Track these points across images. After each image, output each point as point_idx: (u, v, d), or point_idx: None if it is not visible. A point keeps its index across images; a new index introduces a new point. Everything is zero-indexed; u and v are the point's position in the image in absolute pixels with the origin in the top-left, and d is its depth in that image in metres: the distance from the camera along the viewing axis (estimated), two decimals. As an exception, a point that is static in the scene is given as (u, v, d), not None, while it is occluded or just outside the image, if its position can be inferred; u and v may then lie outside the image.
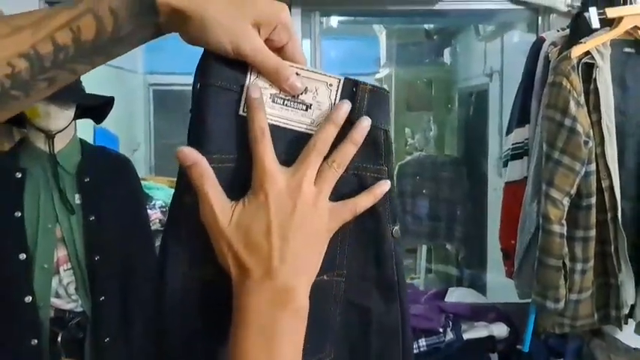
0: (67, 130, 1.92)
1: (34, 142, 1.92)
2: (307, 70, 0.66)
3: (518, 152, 2.11)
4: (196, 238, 0.65)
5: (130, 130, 4.56)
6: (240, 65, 0.65)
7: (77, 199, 1.91)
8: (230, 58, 0.64)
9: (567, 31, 2.04)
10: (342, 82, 0.67)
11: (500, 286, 2.42)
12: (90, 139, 3.24)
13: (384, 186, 0.68)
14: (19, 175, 1.88)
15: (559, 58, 1.89)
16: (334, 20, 3.87)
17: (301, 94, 0.66)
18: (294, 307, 0.61)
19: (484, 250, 3.41)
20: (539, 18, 2.52)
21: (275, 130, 0.65)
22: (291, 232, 0.61)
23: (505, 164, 2.17)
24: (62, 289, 1.89)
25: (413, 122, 4.31)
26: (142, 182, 3.46)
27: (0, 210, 1.85)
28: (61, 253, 1.89)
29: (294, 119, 0.66)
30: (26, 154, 1.92)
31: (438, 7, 2.48)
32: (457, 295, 2.53)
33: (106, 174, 1.98)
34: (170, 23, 0.63)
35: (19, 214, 1.84)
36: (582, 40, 1.88)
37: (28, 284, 1.82)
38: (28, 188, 1.87)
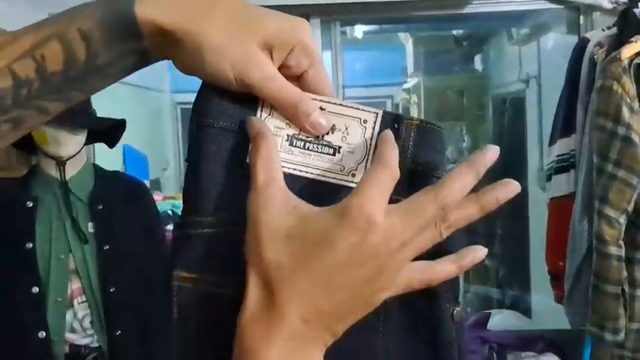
0: (78, 155, 1.87)
1: (45, 169, 1.87)
2: (335, 104, 0.53)
3: (564, 165, 1.98)
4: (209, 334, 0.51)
5: (159, 149, 4.60)
6: (248, 100, 0.52)
7: (90, 228, 1.85)
8: (234, 90, 0.51)
9: (614, 29, 1.91)
10: (379, 116, 0.53)
11: (548, 310, 2.27)
12: (119, 160, 3.23)
13: (478, 253, 0.52)
14: (30, 204, 1.82)
15: (607, 59, 1.77)
16: (359, 30, 3.81)
17: (327, 134, 0.53)
18: None
19: (527, 268, 3.29)
20: (581, 17, 2.41)
21: (293, 180, 0.51)
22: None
23: (549, 178, 2.04)
24: (77, 323, 1.82)
25: (445, 133, 4.18)
26: (172, 201, 3.49)
27: (11, 241, 1.80)
28: (74, 285, 1.82)
29: (319, 167, 0.53)
30: (37, 182, 1.86)
31: (466, 10, 2.39)
32: (500, 320, 2.38)
33: (120, 200, 1.91)
34: (158, 48, 0.50)
35: (31, 245, 1.78)
36: (633, 39, 1.75)
37: (41, 319, 1.77)
38: (40, 217, 1.82)
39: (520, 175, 3.36)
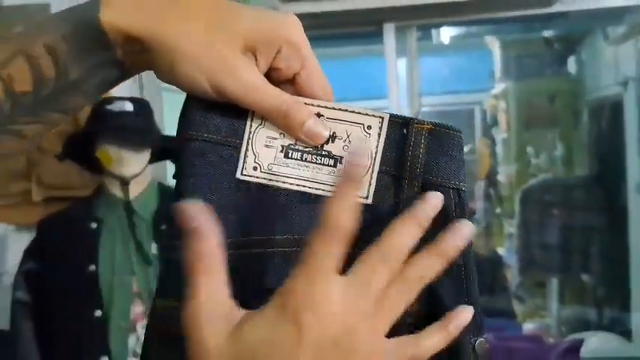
0: (142, 174, 1.84)
1: (109, 189, 1.86)
2: (334, 109, 0.48)
3: None
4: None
5: None
6: (238, 108, 0.47)
7: (154, 249, 1.81)
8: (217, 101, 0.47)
9: None
10: (385, 121, 0.47)
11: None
12: None
13: (463, 315, 0.45)
14: (94, 225, 1.82)
15: None
16: (444, 36, 3.69)
17: (326, 143, 0.48)
18: None
19: (627, 285, 3.08)
20: None
21: (291, 197, 0.48)
22: None
23: (650, 190, 1.83)
24: (140, 348, 1.76)
25: (535, 141, 4.04)
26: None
27: (74, 263, 1.79)
28: (137, 308, 1.79)
29: (318, 180, 0.48)
30: (102, 203, 1.86)
31: (557, 8, 2.25)
32: (596, 343, 2.19)
33: None
34: (132, 57, 0.45)
35: (94, 268, 1.77)
36: None
37: (103, 344, 1.74)
38: (103, 239, 1.80)
39: (618, 185, 3.24)
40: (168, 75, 0.45)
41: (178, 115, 0.49)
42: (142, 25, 0.44)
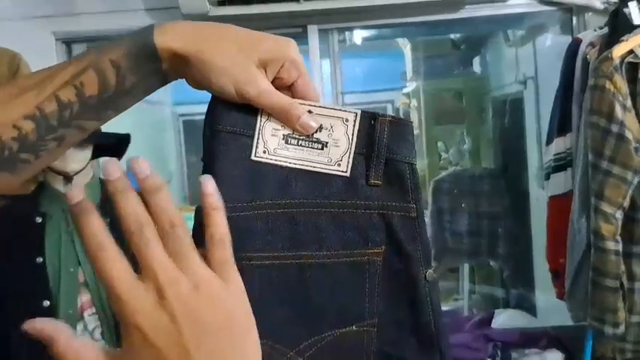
0: (85, 170, 1.89)
1: (52, 184, 1.89)
2: (321, 107, 0.64)
3: (561, 163, 1.99)
4: None
5: (163, 162, 4.64)
6: (251, 108, 0.63)
7: (99, 241, 1.84)
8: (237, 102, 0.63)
9: (605, 29, 1.92)
10: (358, 116, 0.65)
11: (552, 307, 2.28)
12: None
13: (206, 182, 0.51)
14: (39, 219, 1.85)
15: (599, 59, 1.78)
16: (357, 37, 3.80)
17: (316, 132, 0.64)
18: None
19: (530, 267, 3.28)
20: (574, 18, 2.43)
21: (291, 172, 0.64)
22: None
23: (547, 177, 2.05)
24: (87, 335, 1.83)
25: (445, 136, 4.22)
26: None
27: (21, 256, 1.82)
28: (84, 297, 1.83)
29: (310, 159, 0.64)
30: (45, 198, 1.88)
31: (463, 14, 2.40)
32: (505, 318, 2.40)
33: None
34: (174, 69, 0.61)
35: (41, 260, 1.80)
36: (624, 38, 1.76)
37: (52, 333, 1.76)
38: (49, 232, 1.84)
39: (520, 175, 3.40)
40: (203, 82, 0.61)
41: (205, 114, 0.65)
42: (186, 46, 0.59)
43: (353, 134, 0.64)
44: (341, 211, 0.64)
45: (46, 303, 1.78)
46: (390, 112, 5.21)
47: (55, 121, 0.58)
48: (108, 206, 1.65)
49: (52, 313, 1.77)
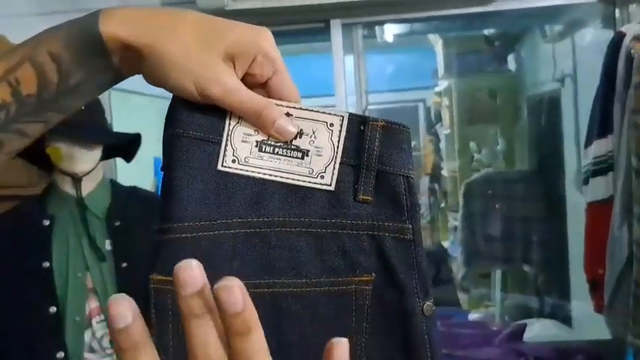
0: (94, 171, 1.83)
1: (61, 186, 1.83)
2: (301, 109, 0.55)
3: (601, 167, 1.89)
4: None
5: None
6: (218, 109, 0.54)
7: (108, 245, 1.81)
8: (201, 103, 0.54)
9: (651, 22, 1.80)
10: (345, 119, 0.55)
11: (589, 318, 2.17)
12: (150, 171, 3.23)
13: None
14: (46, 222, 1.80)
15: (644, 54, 1.66)
16: (388, 34, 3.74)
17: (295, 138, 0.55)
18: None
19: (566, 275, 3.18)
20: (616, 10, 2.31)
21: (265, 185, 0.55)
22: None
23: (586, 181, 1.94)
24: (96, 343, 1.78)
25: (478, 136, 4.14)
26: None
27: (27, 260, 1.77)
28: (92, 304, 1.78)
29: (288, 170, 0.55)
30: (54, 200, 1.83)
31: (494, 7, 2.30)
32: (538, 329, 2.29)
33: (137, 216, 1.87)
34: (126, 63, 0.52)
35: (48, 264, 1.75)
36: (671, 32, 1.64)
37: (59, 339, 1.72)
38: (56, 236, 1.79)
39: (557, 178, 3.32)
40: (159, 79, 0.52)
41: (165, 115, 0.55)
42: (138, 36, 0.50)
43: (339, 141, 0.55)
44: (323, 232, 0.54)
45: (53, 309, 1.73)
46: (421, 111, 5.12)
47: None
48: (118, 210, 1.58)
49: (58, 319, 1.73)
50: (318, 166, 0.55)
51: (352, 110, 2.40)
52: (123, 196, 1.89)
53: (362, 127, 0.55)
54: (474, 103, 4.11)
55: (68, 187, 1.81)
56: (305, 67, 3.98)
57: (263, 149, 0.55)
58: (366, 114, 2.58)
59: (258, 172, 0.55)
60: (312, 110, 0.55)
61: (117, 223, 1.81)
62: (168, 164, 0.54)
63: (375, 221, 0.54)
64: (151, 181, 3.21)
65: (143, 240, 1.81)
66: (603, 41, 2.07)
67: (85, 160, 1.78)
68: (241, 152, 0.54)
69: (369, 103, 2.37)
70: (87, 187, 1.81)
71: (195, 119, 0.54)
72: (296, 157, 0.55)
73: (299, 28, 2.30)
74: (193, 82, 0.51)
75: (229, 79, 0.52)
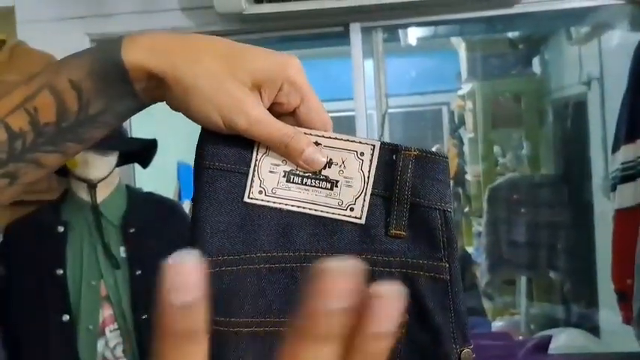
0: (109, 178, 1.81)
1: (76, 192, 1.82)
2: (330, 138, 0.53)
3: (630, 173, 1.82)
4: None
5: None
6: (245, 139, 0.53)
7: (122, 253, 1.79)
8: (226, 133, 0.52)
9: (682, 23, 1.73)
10: (376, 148, 0.52)
11: (618, 328, 2.09)
12: (173, 177, 3.22)
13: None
14: (61, 228, 1.78)
15: (674, 56, 1.59)
16: (411, 37, 3.70)
17: (324, 168, 0.53)
18: None
19: (594, 283, 3.09)
20: None
21: (292, 217, 0.52)
22: None
23: (614, 188, 1.88)
24: (109, 352, 1.76)
25: (502, 140, 4.08)
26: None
27: (41, 267, 1.75)
28: (106, 312, 1.77)
29: (317, 202, 0.53)
30: (69, 206, 1.82)
31: (518, 9, 2.24)
32: (565, 339, 2.22)
33: (152, 223, 1.85)
34: (149, 91, 0.51)
35: (61, 272, 1.74)
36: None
37: (72, 348, 1.72)
38: (71, 243, 1.77)
39: (583, 184, 3.25)
40: (184, 109, 0.50)
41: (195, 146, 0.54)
42: (162, 65, 0.48)
43: (369, 171, 0.52)
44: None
45: (66, 317, 1.72)
46: (445, 114, 5.06)
47: (4, 154, 0.49)
48: (133, 217, 1.57)
49: (71, 328, 1.72)
50: (348, 197, 0.52)
51: (372, 114, 2.36)
52: (139, 202, 1.87)
53: (394, 157, 0.52)
54: (497, 107, 4.05)
55: (83, 194, 1.79)
56: (325, 71, 3.95)
57: (291, 180, 0.53)
58: (386, 117, 2.54)
59: (286, 204, 0.53)
60: (342, 139, 0.53)
61: (132, 230, 1.79)
62: (196, 197, 0.53)
63: (409, 258, 0.51)
64: (175, 185, 3.20)
65: (158, 247, 1.79)
66: (631, 43, 2.02)
67: (99, 166, 1.77)
68: (268, 183, 0.53)
69: (388, 107, 2.32)
70: (102, 193, 1.80)
71: (221, 150, 0.52)
72: (325, 188, 0.53)
73: (318, 32, 2.26)
74: (219, 113, 0.50)
75: (255, 109, 0.50)
